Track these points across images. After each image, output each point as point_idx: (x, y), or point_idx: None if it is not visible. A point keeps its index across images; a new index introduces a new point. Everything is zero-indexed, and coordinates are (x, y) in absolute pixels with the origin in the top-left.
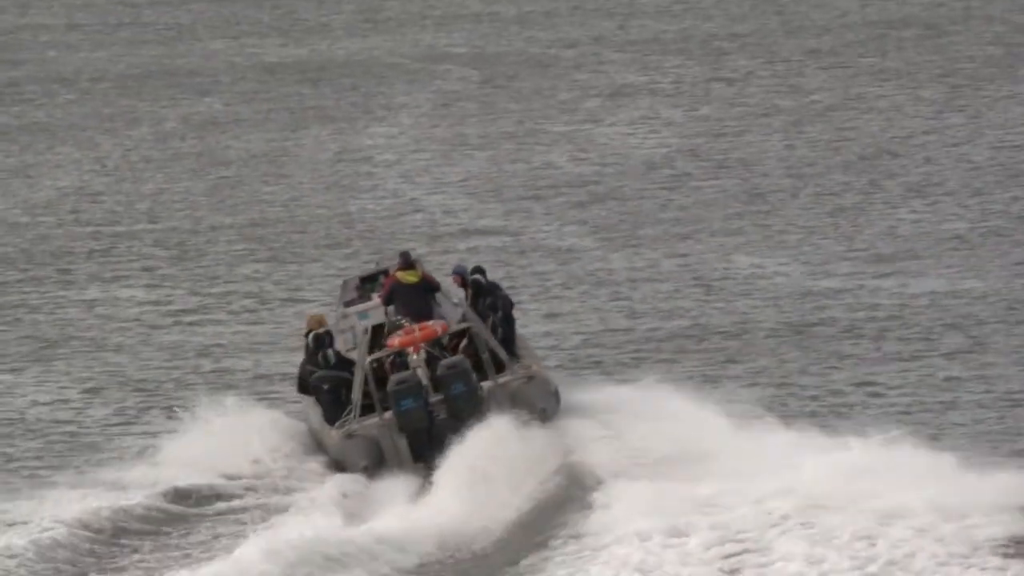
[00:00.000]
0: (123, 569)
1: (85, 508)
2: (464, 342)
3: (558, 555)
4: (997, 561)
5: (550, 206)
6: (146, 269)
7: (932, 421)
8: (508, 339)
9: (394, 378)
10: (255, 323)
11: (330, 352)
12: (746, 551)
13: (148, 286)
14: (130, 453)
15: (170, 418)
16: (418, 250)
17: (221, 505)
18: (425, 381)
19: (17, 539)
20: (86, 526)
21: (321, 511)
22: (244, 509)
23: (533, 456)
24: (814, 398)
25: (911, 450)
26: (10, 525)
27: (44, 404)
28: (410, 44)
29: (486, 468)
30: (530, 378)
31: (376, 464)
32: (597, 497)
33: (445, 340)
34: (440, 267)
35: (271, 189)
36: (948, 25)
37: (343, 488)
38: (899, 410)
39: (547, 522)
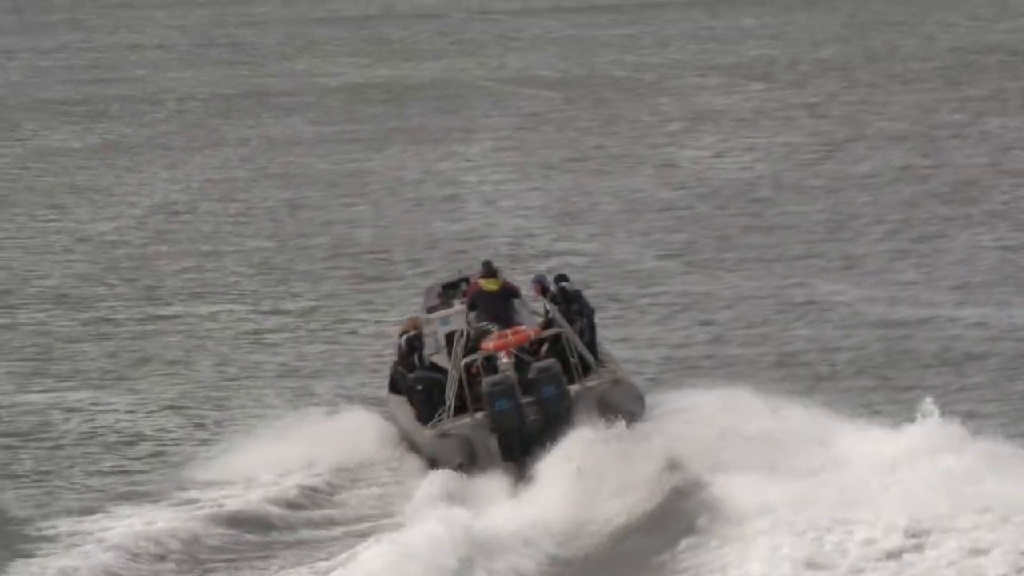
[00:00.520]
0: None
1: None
2: (546, 347)
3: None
4: None
5: (631, 229)
6: (229, 287)
7: None
8: (591, 345)
9: (489, 380)
10: (335, 342)
11: (424, 354)
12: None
13: (233, 304)
14: (218, 462)
15: (255, 427)
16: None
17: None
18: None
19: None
20: (195, 538)
21: (441, 506)
22: (359, 507)
23: (635, 455)
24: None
25: None
26: (150, 524)
27: (130, 419)
28: (495, 67)
29: (592, 465)
30: (616, 382)
31: (469, 462)
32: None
33: (527, 345)
34: (521, 282)
35: (355, 210)
36: None
37: (446, 485)
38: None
39: (665, 520)
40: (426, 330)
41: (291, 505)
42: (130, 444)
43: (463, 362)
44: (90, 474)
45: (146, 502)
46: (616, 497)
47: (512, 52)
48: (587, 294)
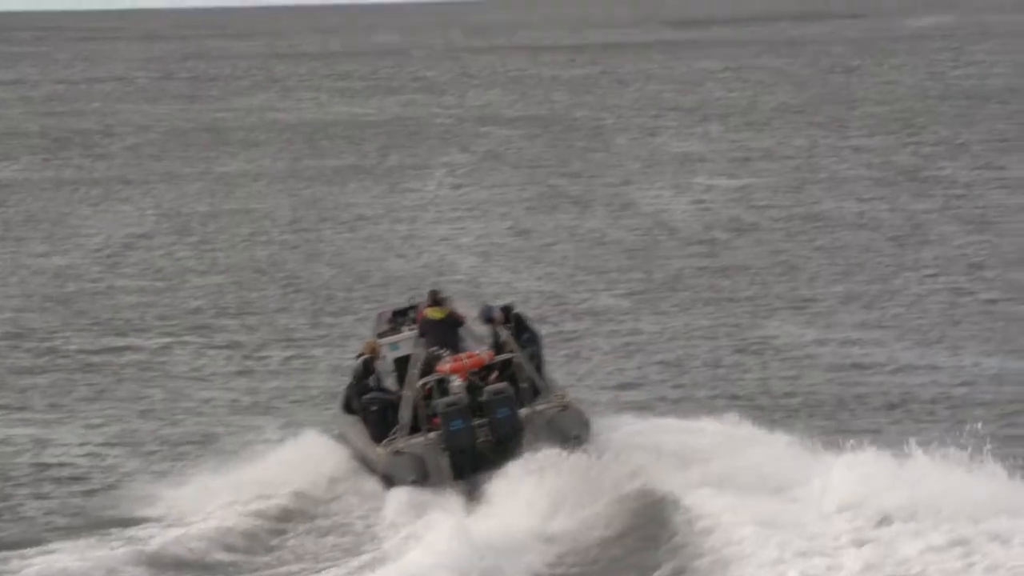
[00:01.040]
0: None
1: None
2: (496, 373)
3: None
4: None
5: (586, 268)
6: (183, 320)
7: None
8: (539, 370)
9: (444, 400)
10: (288, 375)
11: (379, 376)
12: None
13: (187, 336)
14: (165, 496)
15: (226, 451)
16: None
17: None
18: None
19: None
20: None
21: (442, 515)
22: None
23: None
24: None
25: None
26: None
27: (83, 452)
28: (454, 104)
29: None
30: (564, 407)
31: (422, 479)
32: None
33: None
34: (469, 311)
35: (312, 245)
36: (992, 95)
37: (408, 500)
38: None
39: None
40: None
41: (245, 535)
42: (77, 479)
43: (420, 383)
44: (36, 508)
45: (87, 537)
46: (580, 509)
47: (472, 90)
48: (540, 328)
